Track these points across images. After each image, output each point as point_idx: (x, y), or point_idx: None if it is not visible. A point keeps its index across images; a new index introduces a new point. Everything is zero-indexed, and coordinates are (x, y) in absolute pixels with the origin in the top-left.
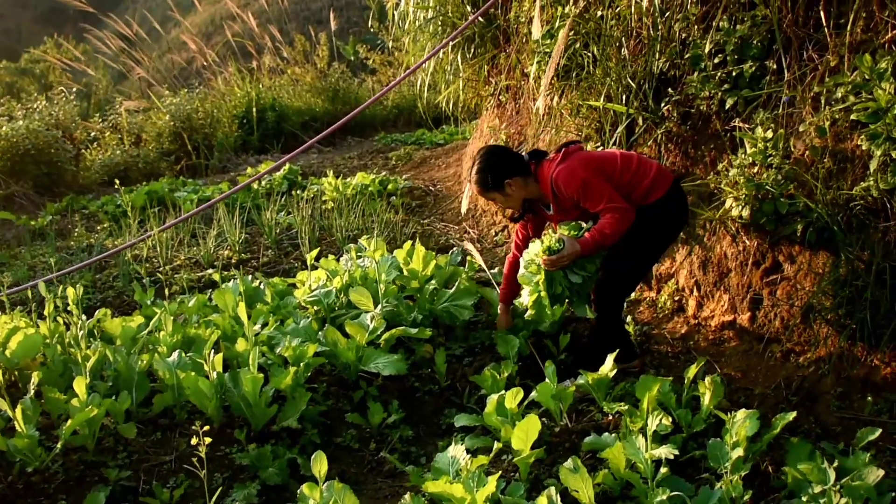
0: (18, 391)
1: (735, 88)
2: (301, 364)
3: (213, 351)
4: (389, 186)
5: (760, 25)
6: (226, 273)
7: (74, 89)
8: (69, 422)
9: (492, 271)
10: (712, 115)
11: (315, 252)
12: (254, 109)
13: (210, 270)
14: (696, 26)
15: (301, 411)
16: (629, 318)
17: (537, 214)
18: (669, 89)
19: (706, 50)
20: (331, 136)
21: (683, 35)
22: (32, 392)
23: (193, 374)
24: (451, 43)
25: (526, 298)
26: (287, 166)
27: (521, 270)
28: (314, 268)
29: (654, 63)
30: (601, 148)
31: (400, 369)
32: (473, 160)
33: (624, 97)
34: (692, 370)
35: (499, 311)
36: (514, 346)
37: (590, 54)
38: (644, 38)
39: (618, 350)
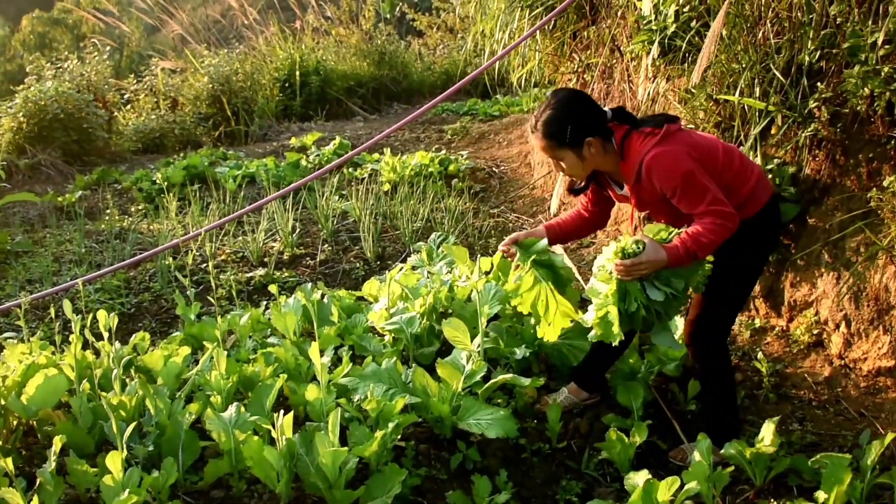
0: (36, 442)
1: None
2: (390, 425)
3: (281, 411)
4: (451, 167)
5: None
6: (278, 274)
7: (108, 48)
8: None
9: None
10: (873, 118)
11: (396, 270)
12: (297, 73)
13: (260, 271)
14: (856, 9)
15: (394, 493)
16: (760, 354)
17: (603, 189)
18: (819, 84)
19: (872, 40)
20: (375, 102)
21: (839, 20)
22: (54, 462)
23: (257, 439)
24: (529, 14)
25: (591, 314)
26: (337, 140)
27: (591, 281)
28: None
29: (803, 52)
30: None
31: (509, 431)
32: (546, 103)
33: (759, 90)
34: (874, 451)
35: (533, 230)
36: (639, 395)
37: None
38: (784, 19)
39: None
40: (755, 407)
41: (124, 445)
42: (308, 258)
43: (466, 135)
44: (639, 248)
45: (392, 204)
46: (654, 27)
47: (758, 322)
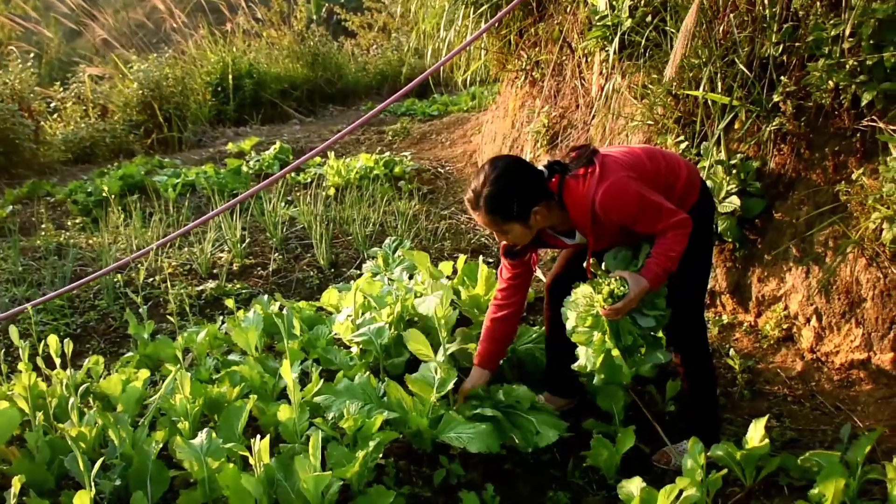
0: None
1: (872, 81)
2: (370, 444)
3: (258, 436)
4: (396, 169)
5: None
6: (229, 286)
7: (32, 55)
8: None
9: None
10: (838, 111)
11: (362, 280)
12: (230, 76)
13: (211, 284)
14: (818, 2)
15: None
16: (732, 351)
17: (540, 245)
18: (782, 77)
19: (836, 33)
20: (310, 105)
21: (801, 13)
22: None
23: (233, 466)
24: (474, 12)
25: (585, 360)
26: (277, 145)
27: (571, 325)
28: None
29: (766, 45)
30: (686, 144)
31: (491, 446)
32: (484, 175)
33: (720, 84)
34: (863, 447)
35: (472, 375)
36: (620, 399)
37: (674, 30)
38: (744, 12)
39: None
40: (731, 405)
41: (92, 482)
42: (259, 268)
43: (407, 135)
44: (624, 287)
45: (341, 209)
46: (609, 23)
47: (725, 318)
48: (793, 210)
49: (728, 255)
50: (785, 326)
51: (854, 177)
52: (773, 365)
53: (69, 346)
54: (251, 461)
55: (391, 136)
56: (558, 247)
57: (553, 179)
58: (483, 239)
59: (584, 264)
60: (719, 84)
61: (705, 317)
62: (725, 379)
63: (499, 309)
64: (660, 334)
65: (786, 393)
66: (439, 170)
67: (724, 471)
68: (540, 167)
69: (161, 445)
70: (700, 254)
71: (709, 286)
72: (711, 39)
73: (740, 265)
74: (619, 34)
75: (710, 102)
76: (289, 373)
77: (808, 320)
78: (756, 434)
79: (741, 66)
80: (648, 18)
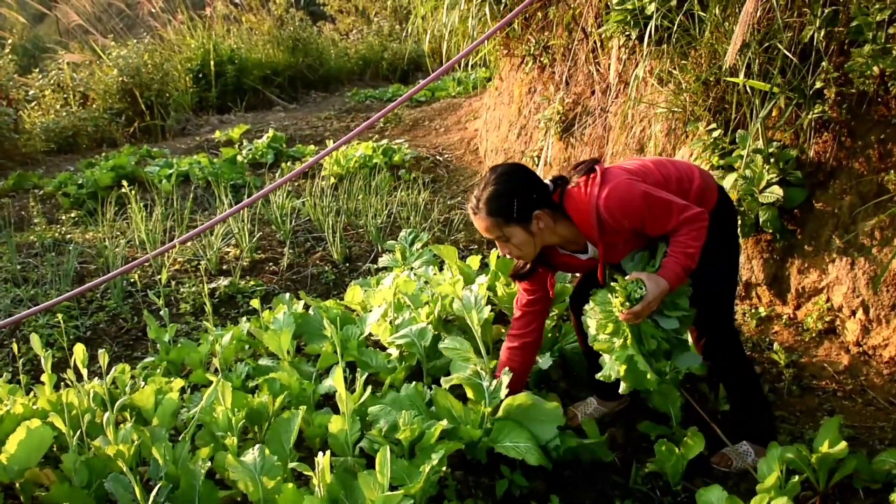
0: None
1: None
2: (434, 457)
3: (320, 454)
4: (395, 158)
5: None
6: (242, 283)
7: (10, 41)
8: None
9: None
10: (885, 98)
11: (402, 278)
12: (211, 62)
13: (224, 281)
14: None
15: None
16: (775, 345)
17: (551, 267)
18: (824, 63)
19: (880, 18)
20: (293, 91)
21: None
22: None
23: (292, 486)
24: None
25: (609, 370)
26: (271, 133)
27: (592, 334)
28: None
29: (808, 30)
30: (718, 132)
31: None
32: (485, 182)
33: (756, 70)
34: None
35: None
36: (676, 400)
37: (704, 15)
38: None
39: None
40: (780, 401)
41: None
42: (270, 263)
43: (399, 122)
44: (641, 288)
45: (349, 199)
46: (630, 7)
47: (762, 311)
48: (835, 199)
49: (765, 247)
50: (828, 319)
51: None
52: (818, 359)
53: (104, 358)
54: (314, 480)
55: (383, 122)
56: (572, 266)
57: (556, 192)
58: None
59: (598, 274)
60: (755, 70)
61: (741, 309)
62: (771, 374)
63: (514, 339)
64: (686, 337)
65: (835, 388)
66: (437, 158)
67: (804, 476)
68: (546, 181)
69: (208, 464)
70: (724, 252)
71: (745, 278)
72: (749, 25)
73: (778, 256)
74: (653, 20)
75: (745, 89)
76: (341, 383)
77: (854, 312)
78: (832, 435)
79: (784, 51)
80: (673, 2)
